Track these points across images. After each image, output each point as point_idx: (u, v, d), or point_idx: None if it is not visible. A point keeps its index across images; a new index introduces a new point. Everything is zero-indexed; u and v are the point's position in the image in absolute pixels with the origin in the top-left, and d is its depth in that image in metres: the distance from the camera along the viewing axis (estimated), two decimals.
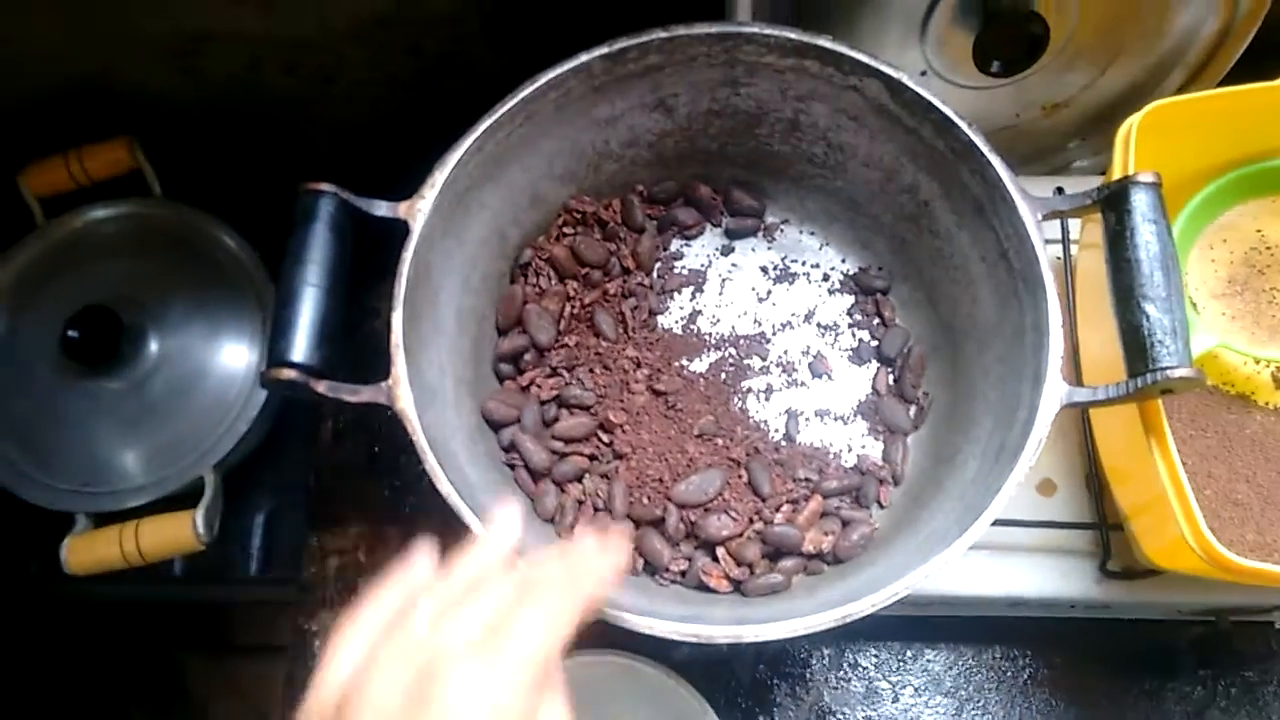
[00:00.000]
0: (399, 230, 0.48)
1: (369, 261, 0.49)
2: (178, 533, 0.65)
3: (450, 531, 0.50)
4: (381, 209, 0.48)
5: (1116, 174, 0.50)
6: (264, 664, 1.18)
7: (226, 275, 0.71)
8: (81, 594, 0.79)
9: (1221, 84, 0.62)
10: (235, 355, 0.70)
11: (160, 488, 0.68)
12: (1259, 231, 0.57)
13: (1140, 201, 0.45)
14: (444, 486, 0.44)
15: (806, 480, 0.54)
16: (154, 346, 0.70)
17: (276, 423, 0.73)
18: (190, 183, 0.73)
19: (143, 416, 0.69)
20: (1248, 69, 0.61)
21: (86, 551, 0.65)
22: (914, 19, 0.58)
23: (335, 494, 0.67)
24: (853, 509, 0.54)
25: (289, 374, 0.43)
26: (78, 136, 0.71)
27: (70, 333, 0.66)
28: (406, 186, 0.48)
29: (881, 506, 0.55)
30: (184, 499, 0.67)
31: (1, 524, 0.73)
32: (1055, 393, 0.44)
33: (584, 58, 0.51)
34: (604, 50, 0.50)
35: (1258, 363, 0.57)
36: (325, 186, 0.46)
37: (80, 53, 0.70)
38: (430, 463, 0.44)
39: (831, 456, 0.56)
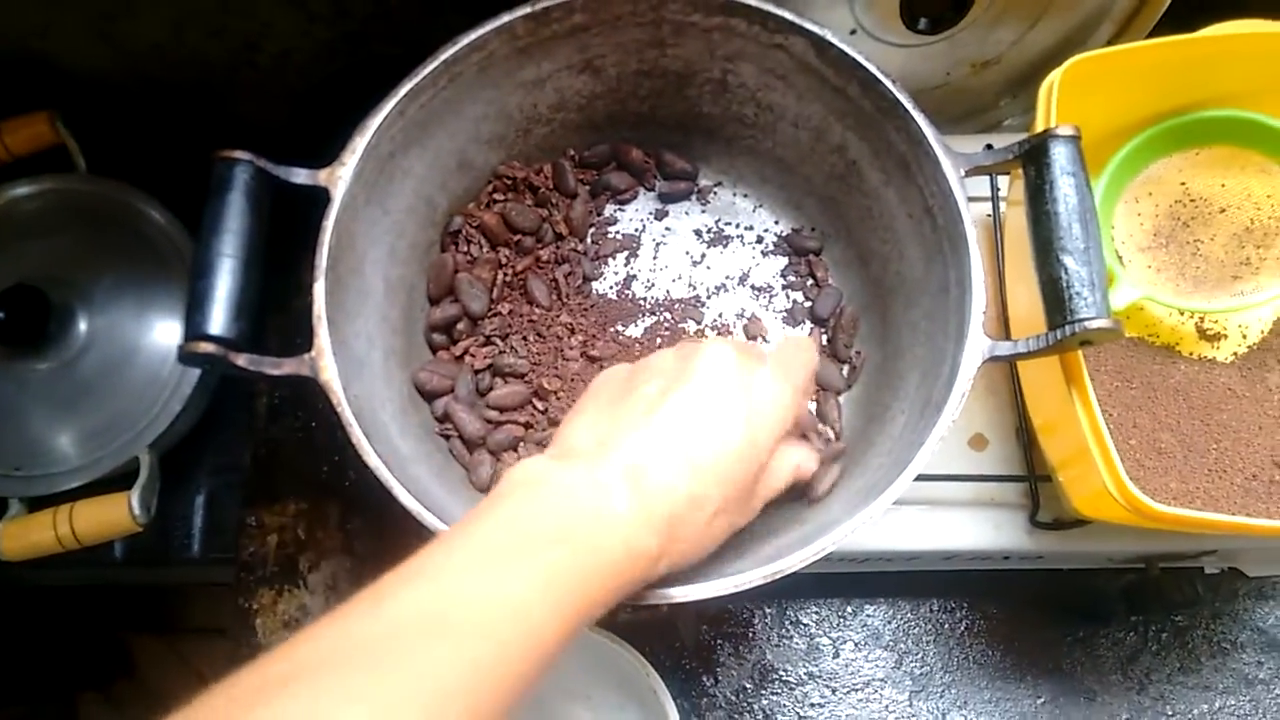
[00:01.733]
0: (322, 199, 0.47)
1: (300, 233, 0.48)
2: (113, 515, 0.64)
3: (390, 508, 0.50)
4: (300, 176, 0.47)
5: (1039, 128, 0.50)
6: (216, 644, 1.18)
7: (155, 251, 0.70)
8: (23, 580, 0.78)
9: (1149, 37, 0.63)
10: (167, 332, 0.69)
11: (95, 469, 0.67)
12: (1183, 184, 0.58)
13: (1059, 155, 0.45)
14: (371, 459, 0.44)
15: None
16: (83, 325, 0.68)
17: (214, 401, 0.72)
18: (115, 157, 0.71)
19: (74, 397, 0.68)
20: (1174, 22, 0.61)
21: (20, 536, 0.64)
22: None
23: (273, 471, 0.66)
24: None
25: (207, 347, 0.43)
26: None
27: None
28: (336, 153, 0.47)
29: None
30: (120, 480, 0.65)
31: None
32: (977, 347, 0.45)
33: (506, 18, 0.50)
34: (526, 10, 0.50)
35: (1182, 314, 0.58)
36: (240, 154, 0.45)
37: (1, 24, 0.68)
38: (356, 435, 0.44)
39: None
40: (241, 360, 0.44)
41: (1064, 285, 0.43)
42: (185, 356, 0.43)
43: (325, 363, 0.45)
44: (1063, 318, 0.43)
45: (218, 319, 0.43)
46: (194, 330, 0.43)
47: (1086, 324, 0.43)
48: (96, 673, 1.02)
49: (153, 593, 1.02)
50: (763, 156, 0.59)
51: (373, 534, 0.64)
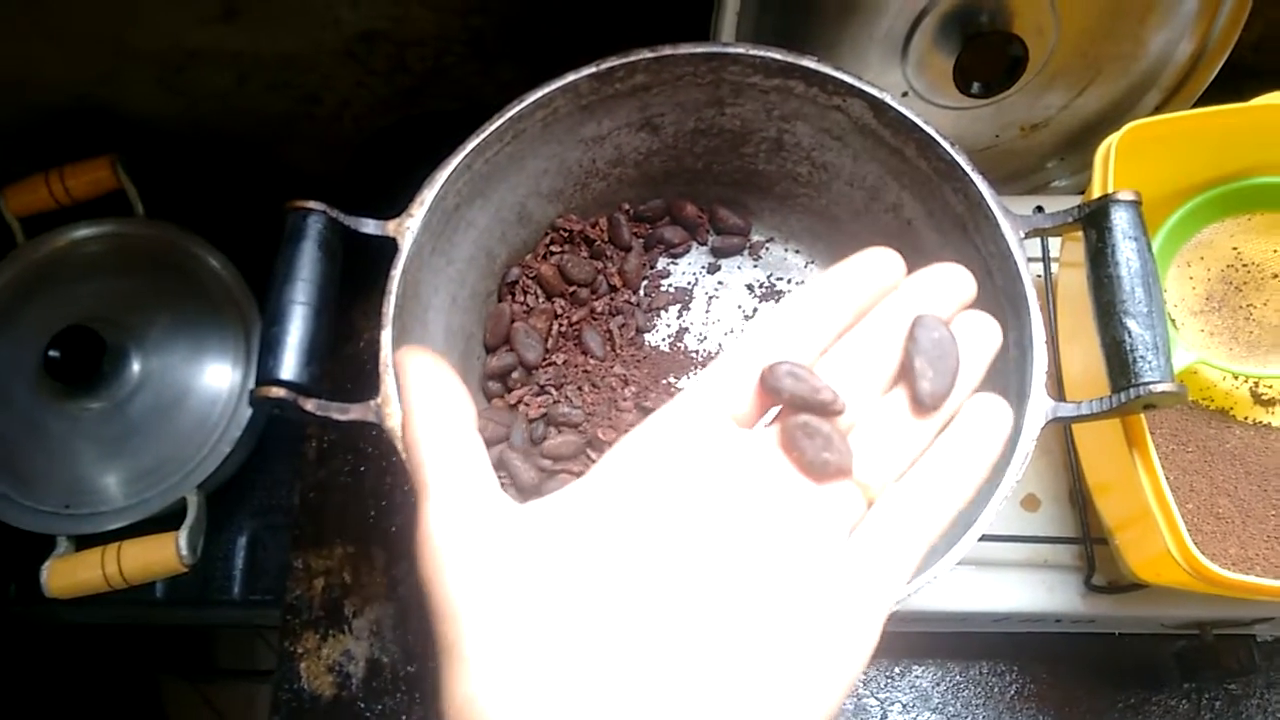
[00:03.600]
0: (385, 249, 0.48)
1: (352, 281, 0.49)
2: (161, 555, 0.64)
3: None
4: (370, 227, 0.48)
5: (1096, 192, 0.50)
6: (242, 688, 1.17)
7: (209, 295, 0.71)
8: (60, 617, 0.78)
9: (1196, 105, 0.64)
10: (218, 375, 0.70)
11: (143, 509, 0.67)
12: (1235, 249, 0.58)
13: (1121, 219, 0.45)
14: None
15: None
16: (136, 366, 0.69)
17: (259, 444, 0.73)
18: (173, 202, 0.72)
19: (125, 437, 0.69)
20: (1221, 91, 0.62)
21: (68, 574, 0.65)
22: (895, 41, 0.59)
23: (320, 515, 0.66)
24: None
25: (278, 392, 0.43)
26: (59, 155, 0.71)
27: (51, 353, 0.66)
28: (391, 205, 0.48)
29: None
30: (166, 520, 0.66)
31: None
32: (1040, 408, 0.45)
33: (572, 77, 0.51)
34: (592, 70, 0.51)
35: (1236, 378, 0.58)
36: (314, 204, 0.46)
37: (64, 71, 0.70)
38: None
39: None
40: (310, 405, 0.44)
41: (1128, 348, 0.43)
42: (257, 400, 0.43)
43: (391, 410, 0.45)
44: (1127, 381, 0.43)
45: (289, 364, 0.44)
46: (266, 375, 0.43)
47: (1152, 387, 0.43)
48: (127, 714, 1.02)
49: (183, 633, 1.02)
50: (816, 214, 0.60)
51: (418, 580, 0.64)
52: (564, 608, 0.25)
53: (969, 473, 0.29)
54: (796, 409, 0.29)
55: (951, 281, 0.32)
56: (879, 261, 0.32)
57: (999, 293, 0.49)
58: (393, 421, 0.45)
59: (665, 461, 0.28)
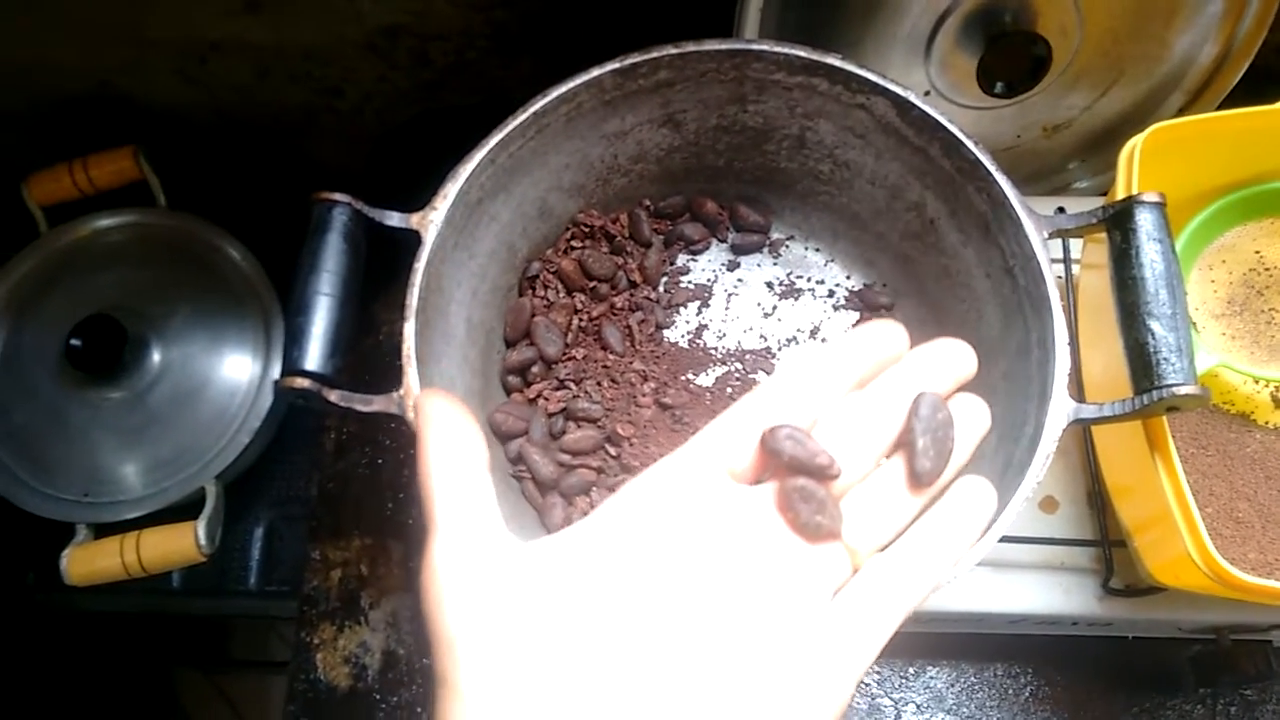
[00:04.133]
0: (404, 244, 0.48)
1: (371, 275, 0.49)
2: (179, 544, 0.65)
3: None
4: (394, 219, 0.48)
5: (1120, 193, 0.50)
6: (256, 679, 1.18)
7: (230, 286, 0.71)
8: (77, 605, 0.79)
9: (1219, 108, 0.63)
10: (238, 366, 0.70)
11: (161, 498, 0.68)
12: (1258, 253, 0.58)
13: (1145, 220, 0.45)
14: None
15: None
16: (156, 357, 0.70)
17: (277, 435, 0.73)
18: (195, 193, 0.73)
19: (144, 427, 0.69)
20: (1245, 95, 0.62)
21: (87, 562, 0.65)
22: (919, 40, 0.59)
23: (337, 507, 0.66)
24: None
25: (303, 383, 0.43)
26: (82, 145, 0.71)
27: (73, 342, 0.66)
28: (412, 200, 0.49)
29: None
30: (184, 510, 0.66)
31: (0, 533, 0.73)
32: (1062, 409, 0.45)
33: (596, 72, 0.51)
34: (616, 65, 0.51)
35: (1257, 382, 0.57)
36: (339, 196, 0.47)
37: (87, 61, 0.71)
38: None
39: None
40: (334, 396, 0.45)
41: (1151, 350, 0.43)
42: (281, 390, 0.44)
43: (413, 402, 0.45)
44: (1150, 383, 0.43)
45: (314, 355, 0.44)
46: (291, 365, 0.44)
47: (1175, 389, 0.43)
48: (141, 704, 1.02)
49: (198, 624, 1.03)
50: (837, 212, 0.60)
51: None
52: (555, 648, 0.26)
53: (952, 549, 0.31)
54: (794, 471, 0.30)
55: (953, 358, 0.35)
56: (885, 333, 0.34)
57: (1021, 293, 0.49)
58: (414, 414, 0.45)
59: (663, 512, 0.29)
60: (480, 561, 0.28)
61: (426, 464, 0.31)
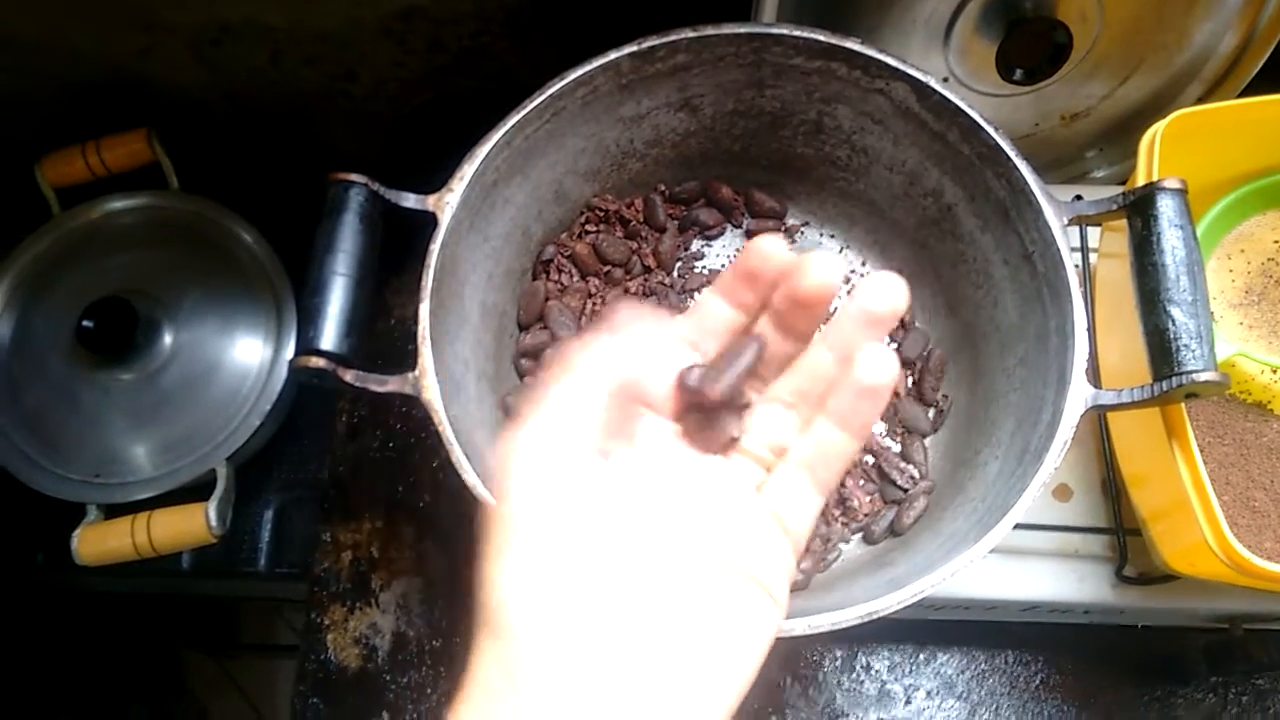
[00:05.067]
0: (418, 226, 0.48)
1: (383, 258, 0.49)
2: (190, 525, 0.65)
3: (462, 530, 0.49)
4: (410, 201, 0.48)
5: (1141, 180, 0.50)
6: (263, 661, 1.18)
7: (242, 269, 0.71)
8: (87, 585, 0.79)
9: (1239, 97, 0.63)
10: (249, 349, 0.70)
11: (172, 479, 0.68)
12: (1276, 242, 0.58)
13: (1166, 207, 0.45)
14: (469, 478, 0.44)
15: None
16: (168, 339, 0.70)
17: (287, 418, 0.73)
18: (207, 176, 0.73)
19: (156, 408, 0.69)
20: (1265, 84, 0.62)
21: (98, 542, 0.65)
22: (938, 26, 0.58)
23: (349, 489, 0.66)
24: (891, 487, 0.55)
25: (318, 362, 0.43)
26: (96, 128, 0.71)
27: (85, 323, 0.66)
28: (425, 184, 0.48)
29: (904, 491, 0.55)
30: (193, 492, 0.66)
31: (10, 513, 0.73)
32: (1080, 395, 0.45)
33: (613, 55, 0.51)
34: (633, 48, 0.51)
35: (1275, 371, 0.57)
36: (355, 177, 0.46)
37: (100, 44, 0.71)
38: (456, 454, 0.44)
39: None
40: (349, 376, 0.45)
41: (1171, 337, 0.43)
42: (297, 370, 0.44)
43: (428, 382, 0.45)
44: (1169, 369, 0.43)
45: (329, 335, 0.44)
46: (306, 344, 0.44)
47: (1194, 376, 0.42)
48: (149, 684, 1.03)
49: (206, 606, 1.03)
50: (853, 198, 0.59)
51: (445, 555, 0.64)
52: (567, 542, 0.29)
53: (858, 418, 0.32)
54: (711, 408, 0.33)
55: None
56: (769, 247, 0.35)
57: (1040, 280, 0.49)
58: (430, 394, 0.45)
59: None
60: (558, 461, 0.30)
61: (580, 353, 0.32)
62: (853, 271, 0.61)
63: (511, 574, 0.29)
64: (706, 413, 0.33)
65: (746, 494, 0.33)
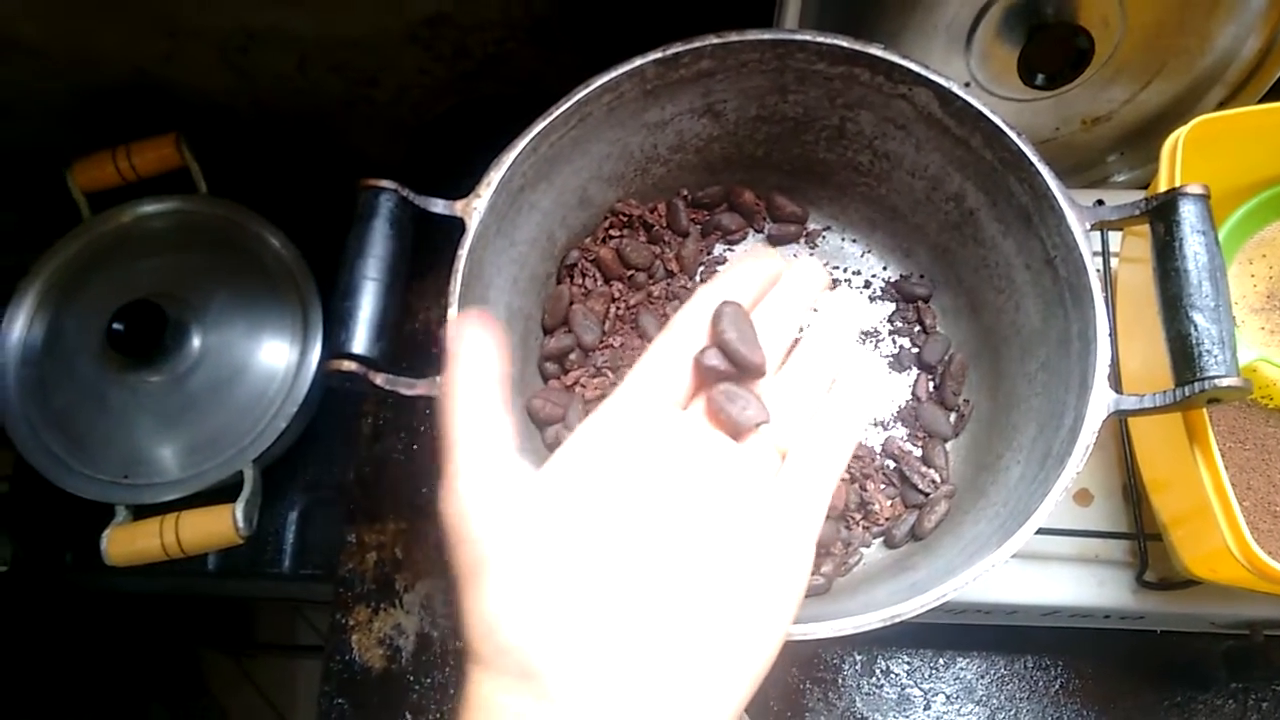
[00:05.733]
0: (444, 232, 0.49)
1: (409, 263, 0.49)
2: (218, 526, 0.66)
3: None
4: (438, 206, 0.49)
5: (1163, 185, 0.50)
6: (283, 662, 1.19)
7: (269, 273, 0.72)
8: (114, 585, 0.80)
9: (1262, 102, 0.63)
10: (276, 352, 0.71)
11: (198, 481, 0.69)
12: None
13: (1189, 212, 0.45)
14: None
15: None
16: (196, 341, 0.71)
17: (312, 421, 0.74)
18: (236, 180, 0.74)
19: (184, 410, 0.70)
20: None
21: (127, 543, 0.66)
22: (960, 31, 0.59)
23: (374, 490, 0.67)
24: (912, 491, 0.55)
25: (349, 365, 0.44)
26: (126, 133, 0.72)
27: (115, 326, 0.67)
28: (449, 189, 0.49)
29: (925, 495, 0.55)
30: (220, 493, 0.67)
31: (40, 514, 0.74)
32: (1102, 400, 0.45)
33: (638, 61, 0.51)
34: (658, 55, 0.51)
35: None
36: (385, 183, 0.47)
37: (130, 50, 0.72)
38: None
39: (872, 459, 0.57)
40: (380, 379, 0.45)
41: (1194, 342, 0.43)
42: (329, 373, 0.44)
43: None
44: (1192, 374, 0.43)
45: (360, 338, 0.45)
46: (337, 348, 0.44)
47: (1217, 381, 0.43)
48: (169, 684, 1.04)
49: (226, 607, 1.04)
50: (875, 203, 0.60)
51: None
52: (563, 549, 0.30)
53: (855, 410, 0.35)
54: (727, 376, 0.34)
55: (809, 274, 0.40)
56: (766, 260, 0.40)
57: (1062, 285, 0.49)
58: None
59: (621, 441, 0.33)
60: (498, 476, 0.31)
61: (451, 390, 0.33)
62: (874, 276, 0.61)
63: (494, 601, 0.29)
64: (728, 395, 0.33)
65: (754, 483, 0.33)
